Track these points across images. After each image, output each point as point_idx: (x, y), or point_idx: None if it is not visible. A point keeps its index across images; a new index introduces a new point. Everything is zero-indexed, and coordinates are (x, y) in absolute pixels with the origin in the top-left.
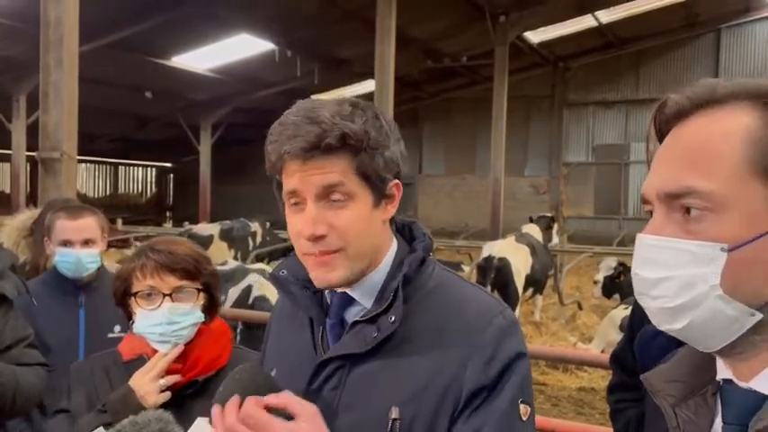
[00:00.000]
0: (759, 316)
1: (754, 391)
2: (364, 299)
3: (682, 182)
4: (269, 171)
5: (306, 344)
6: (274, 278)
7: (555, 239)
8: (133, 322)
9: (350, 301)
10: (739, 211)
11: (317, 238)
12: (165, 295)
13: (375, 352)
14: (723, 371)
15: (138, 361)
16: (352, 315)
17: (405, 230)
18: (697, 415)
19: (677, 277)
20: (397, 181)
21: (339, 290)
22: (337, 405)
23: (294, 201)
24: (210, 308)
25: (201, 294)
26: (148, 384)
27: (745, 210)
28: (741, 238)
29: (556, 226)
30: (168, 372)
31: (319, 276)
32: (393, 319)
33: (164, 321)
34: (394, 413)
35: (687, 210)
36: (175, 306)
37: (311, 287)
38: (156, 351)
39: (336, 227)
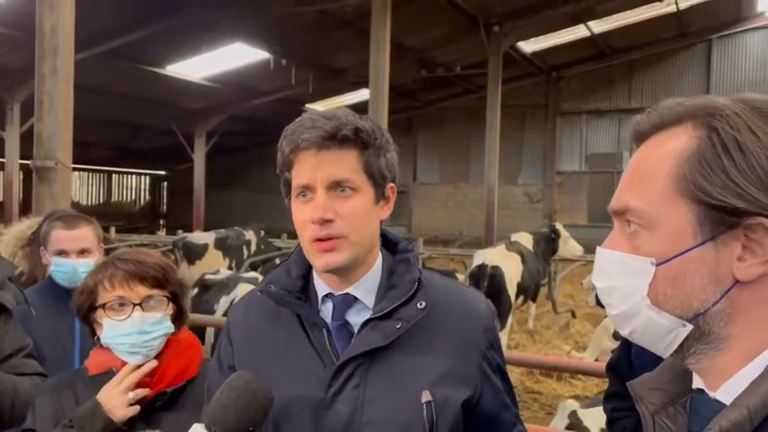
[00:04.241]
0: (690, 327)
1: (720, 402)
2: (366, 297)
3: (621, 200)
4: (279, 168)
5: (304, 349)
6: (269, 294)
7: (577, 249)
8: (98, 338)
9: (351, 301)
10: (666, 228)
11: (324, 222)
12: (135, 305)
13: (393, 344)
14: (696, 380)
15: (107, 374)
16: (354, 315)
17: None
18: (675, 423)
19: (619, 287)
20: (392, 185)
21: (340, 292)
22: (362, 401)
23: (303, 192)
24: (178, 318)
25: (170, 304)
26: (117, 398)
27: (671, 227)
28: (667, 253)
29: (562, 235)
30: (137, 385)
31: (324, 260)
32: (423, 305)
33: (134, 331)
34: (426, 396)
35: (630, 225)
36: (146, 315)
37: (303, 297)
38: (125, 363)
39: (342, 215)
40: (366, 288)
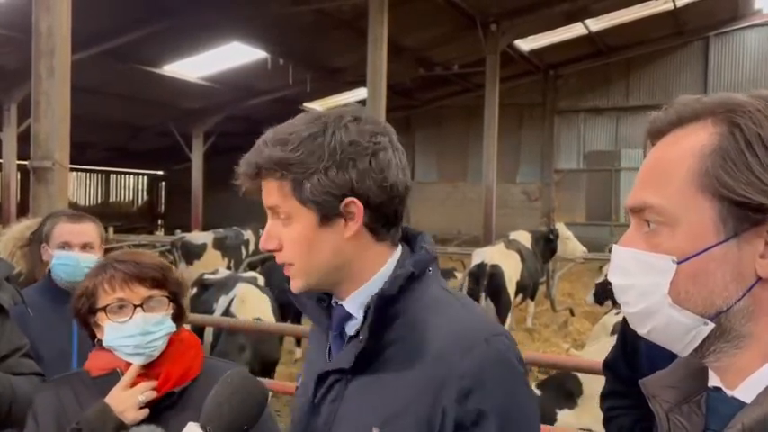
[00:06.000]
0: (711, 325)
1: (739, 400)
2: (358, 312)
3: (639, 197)
4: None
5: (322, 352)
6: (293, 297)
7: (579, 250)
8: (99, 340)
9: (347, 314)
10: (688, 225)
11: (270, 251)
12: (136, 306)
13: (364, 368)
14: (713, 378)
15: (111, 376)
16: (350, 328)
17: (411, 241)
18: (689, 421)
19: (637, 285)
20: (351, 199)
21: (340, 302)
22: (334, 418)
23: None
24: (178, 317)
25: (171, 304)
26: (128, 400)
27: (693, 224)
28: (689, 251)
29: (563, 235)
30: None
31: (291, 284)
32: (360, 337)
33: (137, 332)
34: None
35: (649, 223)
36: (148, 316)
37: (325, 300)
38: (129, 364)
39: (284, 242)
40: (358, 302)
